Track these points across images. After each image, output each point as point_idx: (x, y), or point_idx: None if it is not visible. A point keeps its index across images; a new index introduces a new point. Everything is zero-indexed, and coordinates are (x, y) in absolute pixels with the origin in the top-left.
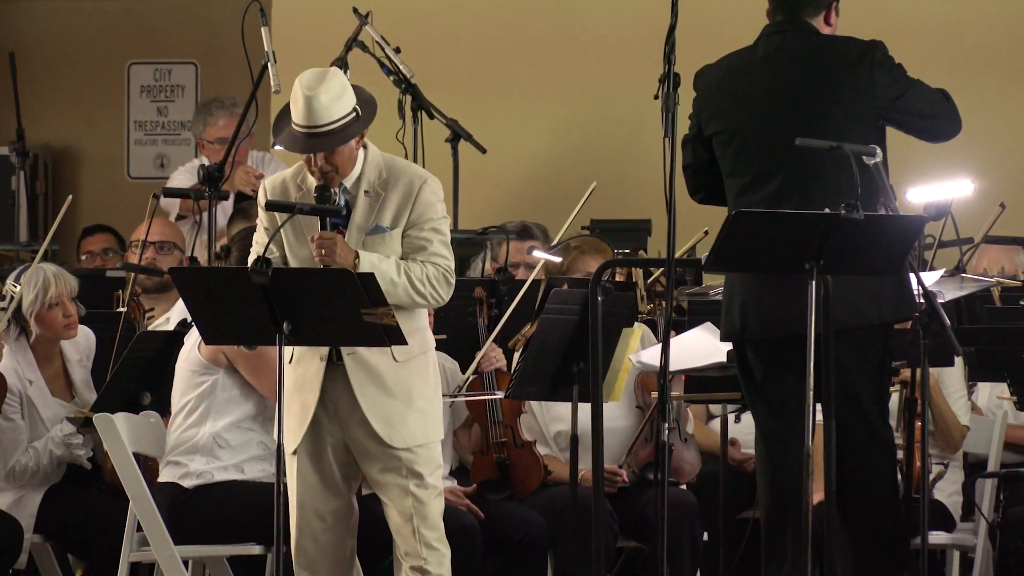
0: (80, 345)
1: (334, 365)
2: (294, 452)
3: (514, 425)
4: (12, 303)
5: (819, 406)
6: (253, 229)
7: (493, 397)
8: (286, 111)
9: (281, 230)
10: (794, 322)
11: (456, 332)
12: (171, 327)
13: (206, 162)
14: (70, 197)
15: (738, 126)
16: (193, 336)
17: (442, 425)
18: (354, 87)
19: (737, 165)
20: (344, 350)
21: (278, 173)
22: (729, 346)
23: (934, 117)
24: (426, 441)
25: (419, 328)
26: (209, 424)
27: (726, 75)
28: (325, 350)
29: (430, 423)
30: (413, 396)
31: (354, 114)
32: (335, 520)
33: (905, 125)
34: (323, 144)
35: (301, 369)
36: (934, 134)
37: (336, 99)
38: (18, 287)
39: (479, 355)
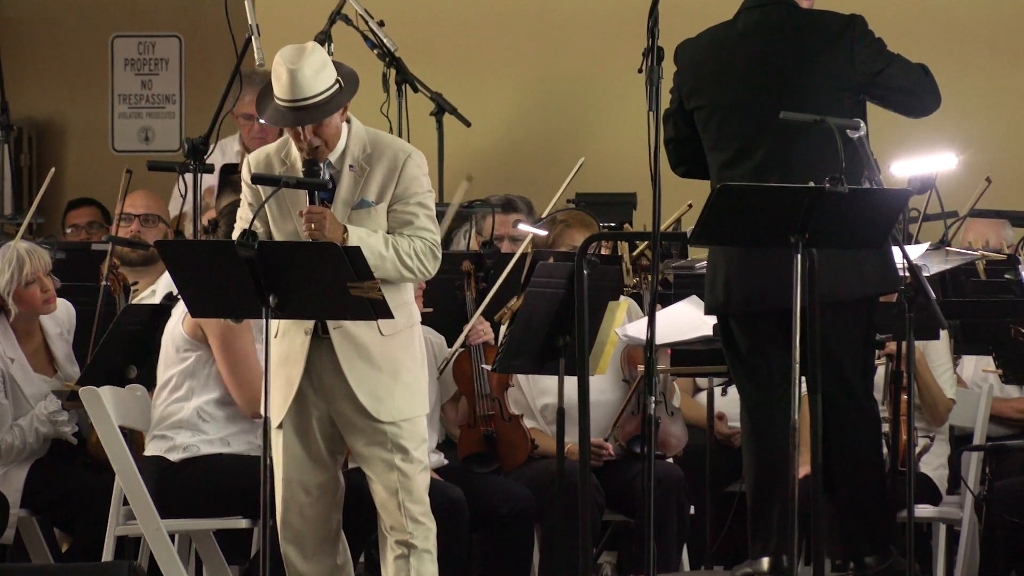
0: (60, 319)
1: (319, 339)
2: (279, 426)
3: (502, 399)
4: None
5: (804, 380)
6: (239, 203)
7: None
8: (268, 88)
9: (265, 205)
10: (777, 296)
11: (443, 306)
12: (157, 300)
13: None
14: (52, 169)
15: (719, 100)
16: (179, 311)
17: (427, 399)
18: (334, 63)
19: (719, 140)
20: (330, 324)
21: (262, 148)
22: (715, 319)
23: (914, 92)
24: (412, 415)
25: (405, 302)
26: (194, 399)
27: (706, 49)
28: (310, 324)
29: (416, 397)
30: (399, 370)
31: (337, 86)
32: (321, 494)
33: (885, 99)
34: (310, 117)
35: (286, 343)
36: (914, 109)
37: (318, 71)
38: None
39: (467, 328)
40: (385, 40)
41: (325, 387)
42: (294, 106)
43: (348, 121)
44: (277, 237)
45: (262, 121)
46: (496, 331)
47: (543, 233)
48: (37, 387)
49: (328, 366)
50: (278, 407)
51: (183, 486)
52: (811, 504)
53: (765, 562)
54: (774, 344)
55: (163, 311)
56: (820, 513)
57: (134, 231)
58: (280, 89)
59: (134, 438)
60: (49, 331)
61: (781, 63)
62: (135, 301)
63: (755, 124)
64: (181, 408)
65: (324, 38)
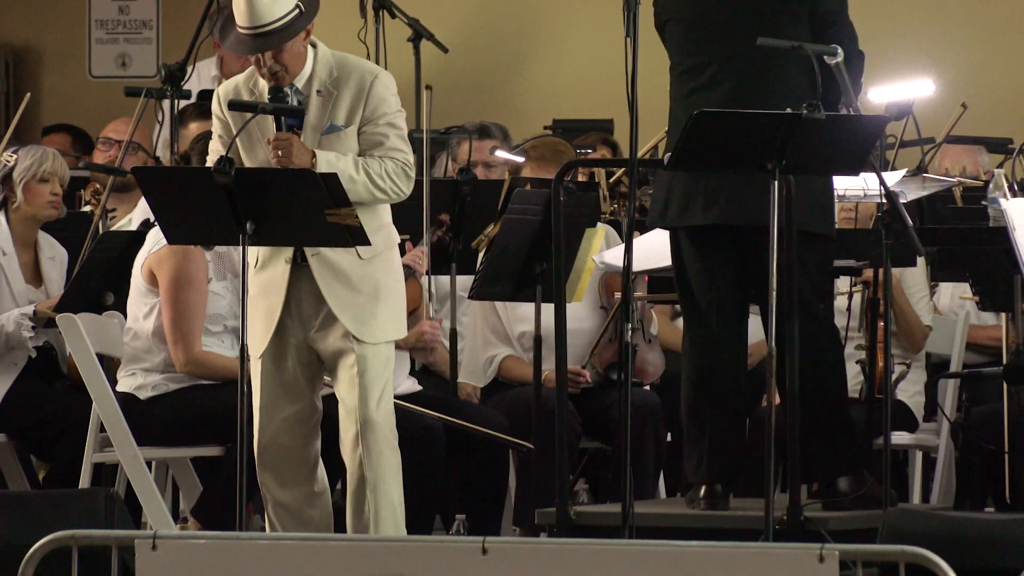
0: (56, 247)
1: (299, 267)
2: (260, 356)
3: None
4: (4, 169)
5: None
6: (210, 133)
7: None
8: (230, 16)
9: (236, 136)
10: (706, 212)
11: (418, 234)
12: (133, 228)
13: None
14: (28, 95)
15: (682, 12)
16: (140, 256)
17: (405, 322)
18: None
19: (680, 52)
20: (308, 251)
21: (231, 79)
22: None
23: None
24: (394, 337)
25: (383, 224)
26: (161, 353)
27: None
28: (290, 253)
29: (398, 319)
30: (380, 292)
31: (297, 10)
32: (296, 421)
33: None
34: (269, 43)
35: (267, 274)
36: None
37: None
38: (13, 154)
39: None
40: None
41: (304, 315)
42: (253, 33)
43: (314, 46)
44: (249, 166)
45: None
46: (473, 258)
47: (519, 160)
48: (21, 288)
49: (308, 294)
50: (259, 337)
51: (154, 419)
52: (787, 431)
53: (702, 490)
54: (718, 266)
55: (140, 238)
56: (795, 440)
57: (112, 157)
58: (239, 16)
59: (111, 364)
60: (44, 250)
61: None
62: (113, 228)
63: (715, 37)
64: (148, 358)
65: None
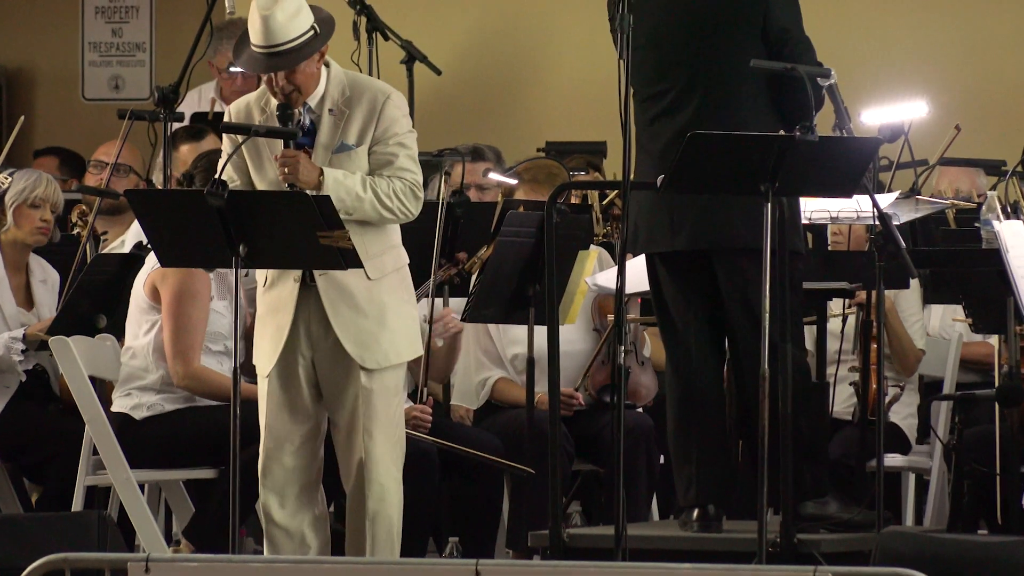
0: (48, 271)
1: (307, 286)
2: (268, 375)
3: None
4: None
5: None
6: (215, 154)
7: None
8: (245, 35)
9: (245, 155)
10: (671, 238)
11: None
12: (126, 250)
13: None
14: (22, 118)
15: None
16: (144, 270)
17: (418, 342)
18: (311, 7)
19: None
20: (317, 271)
21: (243, 97)
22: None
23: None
24: (398, 361)
25: (392, 245)
26: (159, 370)
27: None
28: (298, 272)
29: (403, 341)
30: (386, 314)
31: (312, 31)
32: (303, 443)
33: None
34: (283, 63)
35: (275, 292)
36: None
37: (292, 17)
38: (8, 177)
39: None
40: None
41: (312, 335)
42: (267, 52)
43: (327, 65)
44: (259, 186)
45: (233, 70)
46: (466, 281)
47: (512, 182)
48: (13, 312)
49: (316, 314)
50: (267, 355)
51: (148, 440)
52: (780, 453)
53: (695, 512)
54: (692, 288)
55: (132, 260)
56: (788, 462)
57: (102, 180)
58: (254, 35)
59: (104, 387)
60: (35, 273)
61: (695, 2)
62: (105, 251)
63: (673, 62)
64: (145, 375)
65: None
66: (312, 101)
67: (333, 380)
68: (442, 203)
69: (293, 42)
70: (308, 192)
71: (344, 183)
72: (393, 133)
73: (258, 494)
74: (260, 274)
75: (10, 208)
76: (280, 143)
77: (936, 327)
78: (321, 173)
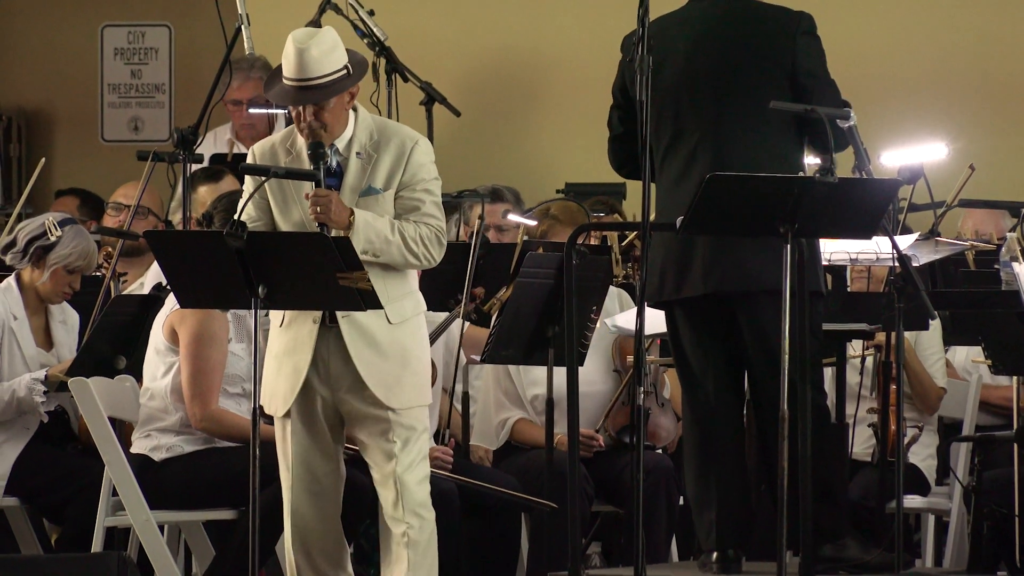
0: (67, 311)
1: (327, 328)
2: (286, 415)
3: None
4: (45, 239)
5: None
6: (235, 195)
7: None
8: (278, 70)
9: (270, 195)
10: (698, 283)
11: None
12: (145, 291)
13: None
14: (43, 160)
15: (658, 85)
16: (163, 312)
17: (430, 388)
18: (347, 50)
19: (658, 126)
20: (338, 312)
21: (268, 138)
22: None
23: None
24: (420, 403)
25: (412, 290)
26: (178, 412)
27: (650, 38)
28: (318, 313)
29: (424, 386)
30: (408, 358)
31: (345, 71)
32: (328, 483)
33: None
34: (313, 96)
35: (293, 332)
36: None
37: (327, 53)
38: (60, 230)
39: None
40: (375, 29)
41: (332, 376)
42: (298, 85)
43: (355, 109)
44: (283, 227)
45: (253, 111)
46: (485, 322)
47: (531, 223)
48: (33, 353)
49: (336, 355)
50: (284, 396)
51: (168, 481)
52: (800, 495)
53: (714, 555)
54: (709, 331)
55: (152, 301)
56: (808, 504)
57: (121, 221)
58: (287, 67)
59: (123, 428)
60: (55, 314)
61: (721, 47)
62: (125, 292)
63: (692, 109)
64: (165, 417)
65: (315, 27)
66: (340, 143)
67: (360, 410)
68: (477, 233)
69: (325, 78)
70: (336, 232)
71: (374, 225)
72: (420, 179)
73: (278, 533)
74: (276, 314)
75: (49, 266)
76: (304, 184)
77: (961, 364)
78: (352, 214)
